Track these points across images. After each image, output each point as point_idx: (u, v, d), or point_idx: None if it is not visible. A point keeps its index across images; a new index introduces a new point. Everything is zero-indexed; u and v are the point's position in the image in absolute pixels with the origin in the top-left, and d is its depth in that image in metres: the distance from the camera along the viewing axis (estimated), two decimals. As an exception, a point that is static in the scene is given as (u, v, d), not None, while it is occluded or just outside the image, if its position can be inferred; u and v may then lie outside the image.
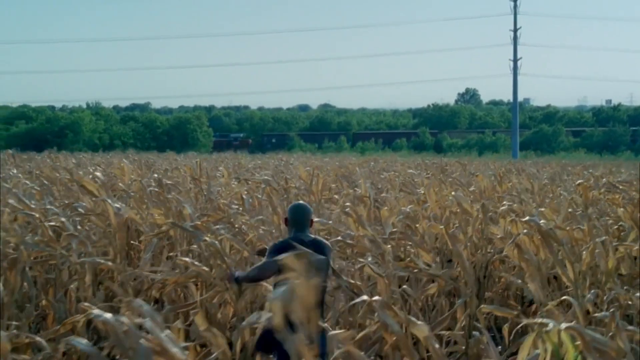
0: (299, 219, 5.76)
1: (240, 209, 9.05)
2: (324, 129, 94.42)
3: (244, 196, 9.26)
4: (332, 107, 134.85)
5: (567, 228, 7.53)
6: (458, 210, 8.40)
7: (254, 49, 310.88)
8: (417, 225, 9.01)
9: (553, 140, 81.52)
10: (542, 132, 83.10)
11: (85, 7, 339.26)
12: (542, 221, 6.72)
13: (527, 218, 6.83)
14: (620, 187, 10.54)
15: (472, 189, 9.74)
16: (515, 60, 77.58)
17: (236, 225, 8.12)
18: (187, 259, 6.12)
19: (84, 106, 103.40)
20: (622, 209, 10.12)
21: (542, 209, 7.83)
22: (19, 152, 50.65)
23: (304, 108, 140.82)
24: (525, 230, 6.78)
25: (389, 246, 8.24)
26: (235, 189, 10.37)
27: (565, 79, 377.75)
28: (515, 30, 78.06)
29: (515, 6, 78.16)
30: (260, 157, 48.97)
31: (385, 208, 9.68)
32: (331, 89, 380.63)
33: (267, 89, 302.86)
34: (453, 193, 8.70)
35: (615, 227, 10.02)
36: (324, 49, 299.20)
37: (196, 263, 6.14)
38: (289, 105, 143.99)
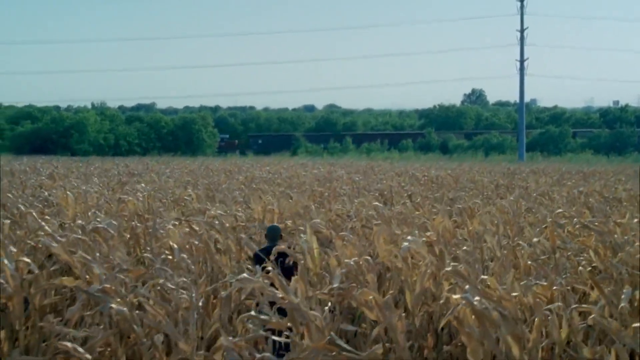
0: (272, 234, 8.93)
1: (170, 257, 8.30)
2: (330, 130, 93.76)
3: (174, 245, 8.48)
4: (338, 108, 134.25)
5: (516, 293, 6.76)
6: (407, 261, 7.64)
7: (260, 49, 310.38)
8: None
9: (560, 141, 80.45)
10: (549, 133, 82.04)
11: (91, 7, 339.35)
12: (476, 299, 5.91)
13: (464, 292, 6.05)
14: (593, 227, 9.76)
15: (429, 233, 8.96)
16: (521, 61, 76.68)
17: (160, 282, 7.39)
18: (68, 344, 5.33)
19: (89, 106, 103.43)
20: (593, 252, 9.38)
21: (485, 277, 7.05)
22: (15, 155, 50.17)
23: (309, 108, 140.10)
24: (464, 302, 6.04)
25: (327, 308, 7.53)
26: (180, 228, 9.62)
27: (572, 79, 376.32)
28: (522, 31, 77.14)
29: (522, 6, 77.30)
30: (254, 161, 47.70)
31: (336, 254, 8.94)
32: (337, 89, 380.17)
33: (272, 89, 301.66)
34: (406, 242, 7.91)
35: (589, 268, 9.27)
36: (330, 49, 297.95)
37: (79, 349, 5.36)
38: (294, 105, 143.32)
